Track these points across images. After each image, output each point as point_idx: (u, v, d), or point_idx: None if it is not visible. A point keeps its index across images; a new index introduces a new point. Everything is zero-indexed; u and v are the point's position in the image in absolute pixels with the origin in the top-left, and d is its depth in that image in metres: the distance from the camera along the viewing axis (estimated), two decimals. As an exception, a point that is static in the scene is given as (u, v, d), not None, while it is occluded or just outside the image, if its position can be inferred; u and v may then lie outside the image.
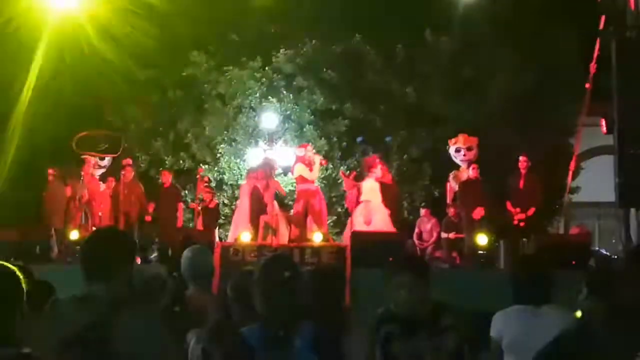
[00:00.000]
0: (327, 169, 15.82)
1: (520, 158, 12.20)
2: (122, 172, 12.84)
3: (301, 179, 12.36)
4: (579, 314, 3.83)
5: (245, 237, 11.49)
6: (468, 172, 12.65)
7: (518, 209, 11.92)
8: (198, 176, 13.84)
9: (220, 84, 16.09)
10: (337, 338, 3.40)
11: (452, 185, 13.36)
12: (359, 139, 16.21)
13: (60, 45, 14.86)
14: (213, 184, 14.10)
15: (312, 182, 12.50)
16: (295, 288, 3.25)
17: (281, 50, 16.17)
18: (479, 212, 12.07)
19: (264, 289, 3.24)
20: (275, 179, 13.14)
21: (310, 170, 12.33)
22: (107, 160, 13.65)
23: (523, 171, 12.12)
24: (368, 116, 16.06)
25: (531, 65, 15.57)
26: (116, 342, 2.79)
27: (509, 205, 12.05)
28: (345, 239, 12.19)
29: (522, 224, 11.90)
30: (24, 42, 14.64)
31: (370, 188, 12.28)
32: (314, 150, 12.84)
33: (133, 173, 13.19)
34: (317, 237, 11.44)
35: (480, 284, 9.58)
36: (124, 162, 13.22)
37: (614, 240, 16.73)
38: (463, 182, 12.69)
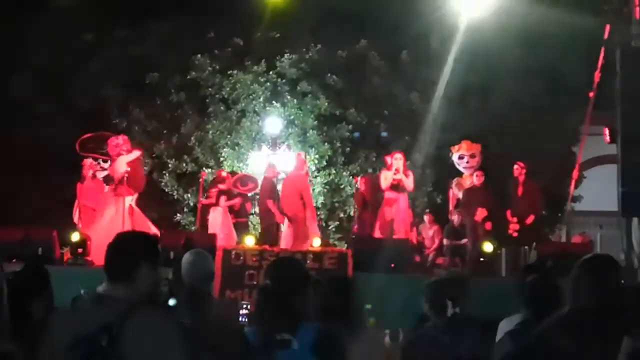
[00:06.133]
0: (329, 174, 15.80)
1: (515, 165, 11.96)
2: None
3: (392, 186, 12.19)
4: None
5: (249, 241, 11.44)
6: (472, 179, 12.58)
7: (516, 218, 11.81)
8: (201, 180, 13.76)
9: (224, 87, 16.09)
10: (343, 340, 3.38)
11: (455, 192, 13.31)
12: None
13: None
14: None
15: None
16: (280, 292, 3.29)
17: (285, 55, 16.18)
18: (486, 219, 12.00)
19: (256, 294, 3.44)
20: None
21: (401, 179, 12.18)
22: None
23: (520, 178, 11.89)
24: (372, 121, 16.04)
25: (536, 73, 15.54)
26: (125, 345, 2.79)
27: (508, 213, 11.96)
28: None
29: (515, 234, 11.80)
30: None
31: None
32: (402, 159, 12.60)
33: None
34: (316, 242, 11.39)
35: (483, 291, 9.55)
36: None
37: (616, 250, 16.69)
38: (467, 189, 12.62)
